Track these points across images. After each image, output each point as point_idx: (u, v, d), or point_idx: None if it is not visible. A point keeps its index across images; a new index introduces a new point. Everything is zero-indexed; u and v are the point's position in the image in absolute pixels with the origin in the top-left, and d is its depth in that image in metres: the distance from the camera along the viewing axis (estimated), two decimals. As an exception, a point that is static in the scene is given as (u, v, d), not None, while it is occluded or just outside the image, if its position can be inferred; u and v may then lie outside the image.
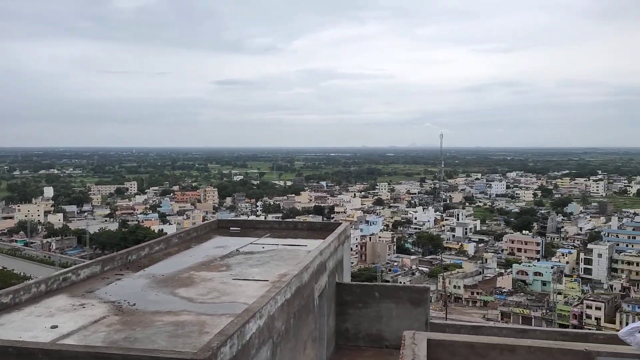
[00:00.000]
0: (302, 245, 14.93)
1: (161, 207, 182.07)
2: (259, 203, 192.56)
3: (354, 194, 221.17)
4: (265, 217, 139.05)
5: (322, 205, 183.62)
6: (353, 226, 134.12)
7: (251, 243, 15.49)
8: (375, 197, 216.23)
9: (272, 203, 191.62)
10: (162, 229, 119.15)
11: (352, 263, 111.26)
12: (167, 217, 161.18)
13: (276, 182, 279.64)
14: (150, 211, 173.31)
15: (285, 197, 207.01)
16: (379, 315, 13.71)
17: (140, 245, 13.86)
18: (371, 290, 13.96)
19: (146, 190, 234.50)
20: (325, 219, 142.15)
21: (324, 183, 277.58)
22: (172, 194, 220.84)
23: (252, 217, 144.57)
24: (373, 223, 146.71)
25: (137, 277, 11.40)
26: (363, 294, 13.91)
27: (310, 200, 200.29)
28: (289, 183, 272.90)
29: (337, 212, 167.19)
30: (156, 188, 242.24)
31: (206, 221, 21.59)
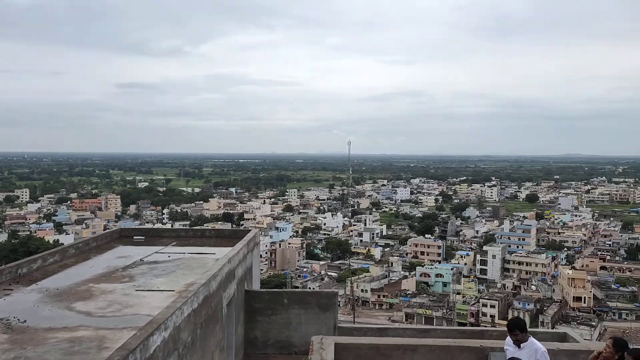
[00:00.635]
0: (210, 254, 14.62)
1: (57, 215, 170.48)
2: (165, 211, 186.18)
3: (264, 201, 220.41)
4: (172, 225, 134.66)
5: (231, 212, 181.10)
6: (263, 233, 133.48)
7: (156, 252, 14.93)
8: (285, 204, 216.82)
9: (179, 210, 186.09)
10: (58, 240, 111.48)
11: (262, 270, 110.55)
12: (63, 226, 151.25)
13: (183, 188, 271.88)
14: (45, 220, 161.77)
15: (193, 204, 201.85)
16: (287, 321, 13.73)
17: (32, 257, 12.87)
18: (280, 296, 13.96)
19: (39, 198, 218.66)
20: (234, 226, 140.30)
21: (233, 190, 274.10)
22: (69, 201, 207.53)
23: (158, 226, 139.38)
24: (283, 229, 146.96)
25: (28, 292, 10.57)
26: (272, 300, 13.87)
27: (219, 207, 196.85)
28: (196, 190, 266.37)
29: (246, 219, 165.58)
30: (51, 196, 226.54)
31: (107, 230, 20.51)
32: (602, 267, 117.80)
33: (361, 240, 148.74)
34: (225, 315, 11.48)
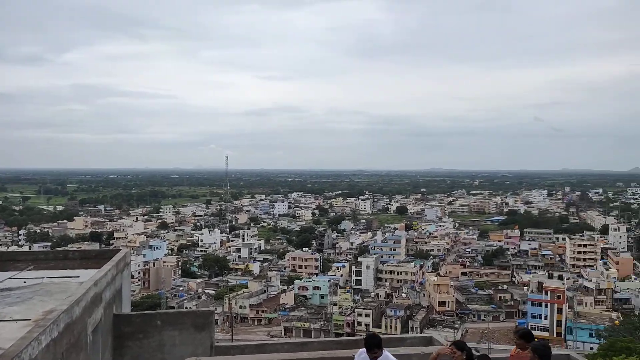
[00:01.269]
0: (73, 277, 13.52)
1: None
2: (22, 231, 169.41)
3: (136, 218, 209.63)
4: (29, 247, 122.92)
5: (99, 231, 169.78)
6: (135, 252, 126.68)
7: (9, 278, 13.50)
8: (160, 221, 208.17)
9: (38, 231, 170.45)
10: None
11: (134, 291, 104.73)
12: None
13: (44, 207, 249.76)
14: None
15: (55, 224, 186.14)
16: (161, 344, 13.11)
17: None
18: (152, 318, 13.30)
19: None
20: (103, 245, 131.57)
21: (101, 207, 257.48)
22: None
23: (13, 248, 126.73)
24: (157, 248, 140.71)
25: None
26: (143, 323, 13.17)
27: (86, 226, 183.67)
28: (59, 208, 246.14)
29: (117, 238, 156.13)
30: None
31: (-51, 255, 18.10)
32: (463, 273, 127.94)
33: (239, 256, 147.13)
34: (91, 342, 10.68)
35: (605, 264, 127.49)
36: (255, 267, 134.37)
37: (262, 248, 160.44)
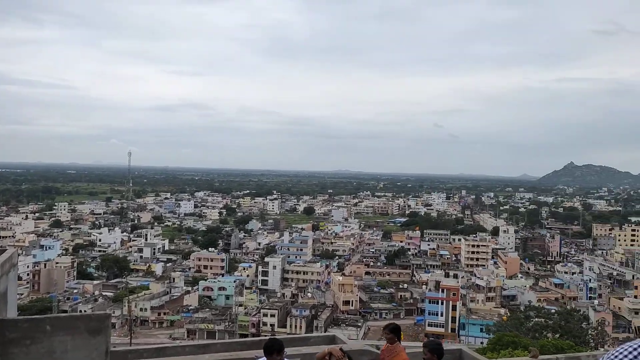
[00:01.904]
0: (-51, 279, 12.27)
1: None
2: None
3: (26, 216, 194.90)
4: None
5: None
6: (23, 252, 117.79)
7: None
8: (53, 219, 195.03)
9: None
10: None
11: (21, 294, 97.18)
12: None
13: None
14: None
15: None
16: (50, 350, 12.23)
17: None
18: (41, 323, 12.37)
19: None
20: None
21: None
22: None
23: None
24: (49, 247, 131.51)
25: None
26: (31, 329, 12.22)
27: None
28: None
29: (3, 237, 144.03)
30: None
31: None
32: (367, 273, 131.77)
33: (141, 257, 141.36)
34: (-31, 351, 9.75)
35: (495, 263, 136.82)
36: (158, 268, 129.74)
37: (166, 248, 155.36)
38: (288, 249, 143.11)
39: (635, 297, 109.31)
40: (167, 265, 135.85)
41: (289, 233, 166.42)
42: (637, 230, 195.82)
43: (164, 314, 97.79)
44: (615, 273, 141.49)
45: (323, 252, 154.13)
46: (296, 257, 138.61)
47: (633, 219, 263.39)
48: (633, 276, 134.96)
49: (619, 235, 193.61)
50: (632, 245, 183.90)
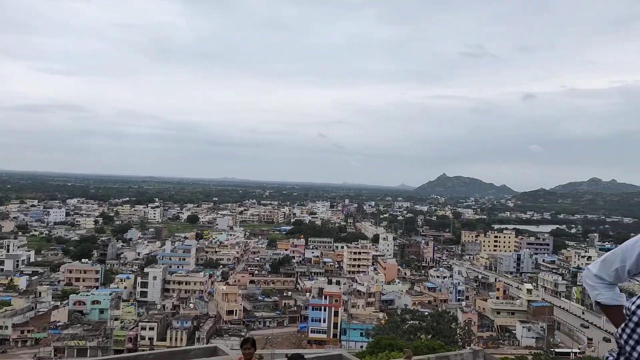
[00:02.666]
0: None
1: None
2: None
3: None
4: None
5: None
6: None
7: None
8: None
9: None
10: None
11: None
12: None
13: None
14: None
15: None
16: None
17: None
18: None
19: None
20: None
21: None
22: None
23: None
24: None
25: None
26: None
27: None
28: None
29: None
30: None
31: None
32: (251, 281, 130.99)
33: (2, 270, 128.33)
34: None
35: (375, 269, 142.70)
36: (21, 282, 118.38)
37: (32, 260, 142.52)
38: (170, 259, 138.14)
39: (497, 298, 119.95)
40: (33, 278, 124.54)
41: (171, 242, 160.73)
42: (499, 237, 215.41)
43: (28, 331, 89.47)
44: (480, 276, 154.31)
45: (207, 261, 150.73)
46: (178, 267, 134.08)
47: (496, 226, 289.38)
48: (495, 279, 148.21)
49: (484, 242, 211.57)
50: (494, 250, 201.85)
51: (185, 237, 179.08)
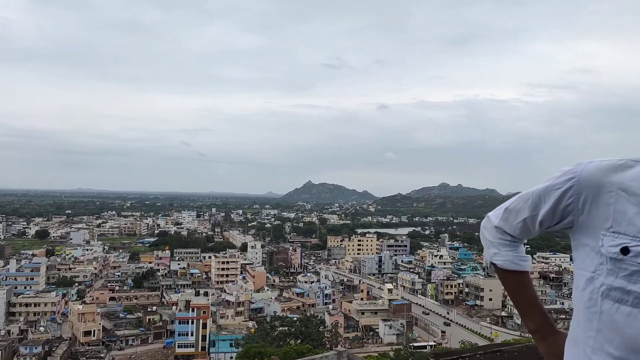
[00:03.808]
0: None
1: None
2: None
3: None
4: None
5: None
6: None
7: None
8: None
9: None
10: None
11: None
12: None
13: None
14: None
15: None
16: None
17: None
18: None
19: None
20: None
21: None
22: None
23: None
24: None
25: None
26: None
27: None
28: None
29: None
30: None
31: None
32: (112, 298, 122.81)
33: None
34: None
35: (244, 278, 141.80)
36: None
37: None
38: (15, 279, 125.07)
39: (362, 299, 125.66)
40: None
41: (17, 260, 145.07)
42: (362, 241, 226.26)
43: None
44: (345, 279, 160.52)
45: (60, 279, 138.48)
46: (25, 287, 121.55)
47: (359, 230, 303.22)
48: (359, 281, 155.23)
49: (348, 246, 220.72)
50: (358, 253, 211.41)
51: (34, 255, 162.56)
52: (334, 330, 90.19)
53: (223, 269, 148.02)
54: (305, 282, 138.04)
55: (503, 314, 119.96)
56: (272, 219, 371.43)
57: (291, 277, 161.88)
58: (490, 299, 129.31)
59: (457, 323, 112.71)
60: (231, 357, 72.87)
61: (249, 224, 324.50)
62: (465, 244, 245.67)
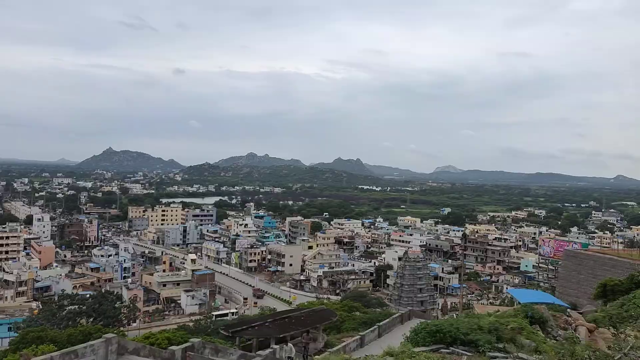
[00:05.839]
0: None
1: None
2: None
3: None
4: None
5: None
6: None
7: None
8: None
9: None
10: None
11: None
12: None
13: None
14: None
15: None
16: None
17: None
18: None
19: None
20: None
21: None
22: None
23: None
24: None
25: None
26: None
27: None
28: None
29: None
30: None
31: None
32: None
33: None
34: None
35: (28, 254, 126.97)
36: None
37: None
38: None
39: (164, 271, 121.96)
40: None
41: None
42: (166, 211, 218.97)
43: None
44: (147, 251, 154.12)
45: None
46: None
47: (164, 200, 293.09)
48: (162, 252, 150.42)
49: (152, 216, 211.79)
50: (162, 224, 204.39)
51: None
52: (132, 305, 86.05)
53: (1, 245, 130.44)
54: (102, 255, 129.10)
55: (302, 277, 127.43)
56: (65, 189, 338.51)
57: (86, 252, 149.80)
58: (291, 265, 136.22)
59: (260, 289, 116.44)
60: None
61: (37, 194, 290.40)
62: (270, 212, 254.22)
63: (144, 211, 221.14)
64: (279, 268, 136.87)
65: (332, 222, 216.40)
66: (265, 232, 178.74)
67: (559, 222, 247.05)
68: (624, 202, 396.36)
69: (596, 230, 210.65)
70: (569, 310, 29.44)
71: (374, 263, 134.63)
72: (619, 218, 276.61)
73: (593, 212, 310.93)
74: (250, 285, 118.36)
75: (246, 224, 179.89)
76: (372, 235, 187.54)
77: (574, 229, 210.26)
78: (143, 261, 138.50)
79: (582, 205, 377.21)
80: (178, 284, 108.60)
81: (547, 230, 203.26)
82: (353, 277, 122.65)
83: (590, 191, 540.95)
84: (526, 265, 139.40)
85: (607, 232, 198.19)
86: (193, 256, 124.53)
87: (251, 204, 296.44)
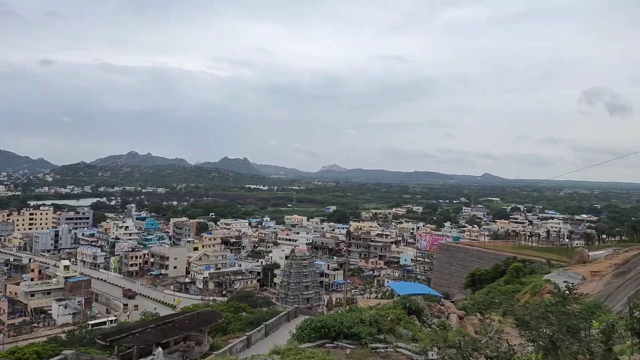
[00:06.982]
0: None
1: None
2: None
3: None
4: None
5: None
6: None
7: None
8: None
9: None
10: None
11: None
12: None
13: None
14: None
15: None
16: None
17: None
18: None
19: None
20: None
21: None
22: None
23: None
24: None
25: None
26: None
27: None
28: None
29: None
30: None
31: None
32: None
33: None
34: None
35: None
36: None
37: None
38: None
39: (32, 279, 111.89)
40: None
41: None
42: (35, 214, 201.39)
43: None
44: (12, 259, 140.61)
45: None
46: None
47: (32, 202, 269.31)
48: (30, 259, 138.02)
49: (17, 220, 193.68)
50: (30, 228, 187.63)
51: None
52: (-6, 318, 78.01)
53: None
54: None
55: (187, 280, 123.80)
56: None
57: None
58: (175, 267, 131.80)
59: (141, 294, 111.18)
60: None
61: None
62: (153, 213, 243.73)
63: (8, 215, 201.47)
64: (163, 271, 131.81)
65: (218, 223, 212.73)
66: (148, 234, 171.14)
67: (434, 218, 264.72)
68: (490, 198, 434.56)
69: (466, 225, 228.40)
70: (442, 299, 31.57)
71: (261, 262, 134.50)
72: (485, 213, 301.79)
73: (463, 207, 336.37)
74: (126, 289, 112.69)
75: (127, 226, 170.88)
76: (260, 235, 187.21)
77: (447, 224, 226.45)
78: (7, 270, 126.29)
79: (454, 201, 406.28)
80: (49, 293, 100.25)
81: (424, 226, 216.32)
82: (240, 277, 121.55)
83: (461, 188, 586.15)
84: (405, 260, 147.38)
85: (476, 225, 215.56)
86: (66, 262, 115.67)
87: (132, 205, 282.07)
